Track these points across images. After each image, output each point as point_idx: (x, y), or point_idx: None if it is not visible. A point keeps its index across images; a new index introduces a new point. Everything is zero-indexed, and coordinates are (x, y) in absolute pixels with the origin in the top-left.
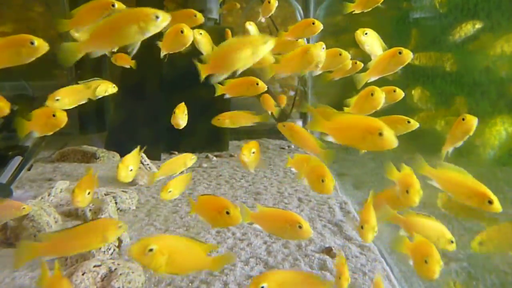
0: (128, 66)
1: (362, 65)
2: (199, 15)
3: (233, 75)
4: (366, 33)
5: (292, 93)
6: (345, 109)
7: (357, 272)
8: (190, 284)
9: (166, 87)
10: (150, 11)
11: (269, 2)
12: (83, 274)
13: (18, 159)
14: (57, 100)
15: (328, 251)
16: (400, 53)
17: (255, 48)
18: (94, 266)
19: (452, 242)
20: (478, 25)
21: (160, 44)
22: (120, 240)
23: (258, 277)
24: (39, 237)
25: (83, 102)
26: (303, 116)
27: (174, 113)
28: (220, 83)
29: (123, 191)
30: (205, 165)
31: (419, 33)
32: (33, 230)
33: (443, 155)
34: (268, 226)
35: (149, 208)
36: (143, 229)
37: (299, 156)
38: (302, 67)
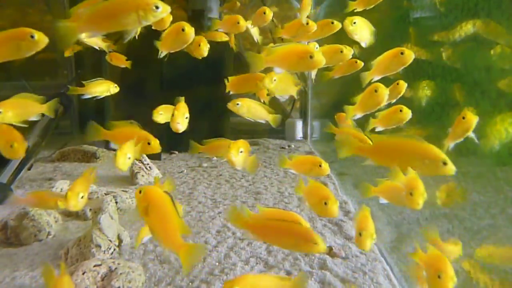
0: (123, 66)
1: (363, 64)
2: None
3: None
4: (354, 22)
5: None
6: (350, 107)
7: (357, 271)
8: (190, 283)
9: (166, 87)
10: (151, 0)
11: (264, 13)
12: (83, 274)
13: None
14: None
15: (328, 250)
16: (402, 53)
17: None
18: (94, 266)
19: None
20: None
21: (158, 44)
22: (120, 240)
23: (229, 281)
24: None
25: (35, 118)
26: (303, 116)
27: (173, 115)
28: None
29: (123, 190)
30: (205, 164)
31: (418, 32)
32: (34, 230)
33: (444, 149)
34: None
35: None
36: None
37: (297, 158)
38: (300, 68)
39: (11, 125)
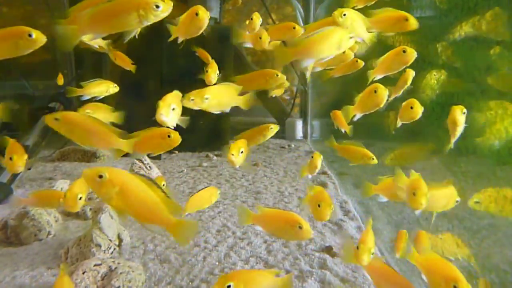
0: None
1: (363, 63)
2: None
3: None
4: (344, 14)
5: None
6: (349, 108)
7: (357, 271)
8: (190, 283)
9: (166, 86)
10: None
11: (251, 19)
12: (83, 273)
13: None
14: None
15: (328, 250)
16: (404, 51)
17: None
18: (95, 265)
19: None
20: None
21: (173, 29)
22: (120, 239)
23: (224, 276)
24: None
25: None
26: (303, 115)
27: (158, 106)
28: (231, 79)
29: None
30: (205, 164)
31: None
32: (34, 229)
33: (450, 145)
34: (269, 227)
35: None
36: (143, 228)
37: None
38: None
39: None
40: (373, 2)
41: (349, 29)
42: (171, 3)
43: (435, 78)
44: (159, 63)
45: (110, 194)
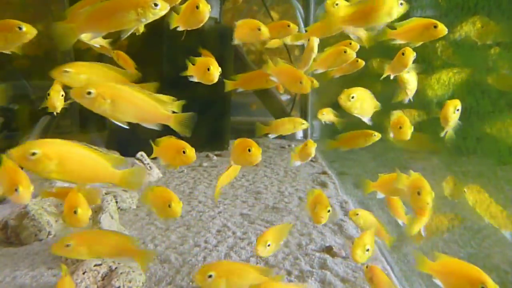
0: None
1: (364, 63)
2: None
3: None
4: (336, 4)
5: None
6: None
7: (358, 271)
8: (190, 283)
9: (166, 86)
10: None
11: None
12: (83, 273)
13: None
14: None
15: (329, 250)
16: (403, 54)
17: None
18: (95, 265)
19: None
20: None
21: (175, 17)
22: None
23: (206, 265)
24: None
25: None
26: (303, 115)
27: (49, 95)
28: (231, 78)
29: (123, 190)
30: (205, 164)
31: None
32: (34, 229)
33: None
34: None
35: (150, 207)
36: (143, 228)
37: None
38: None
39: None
40: None
41: None
42: (168, 4)
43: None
44: (159, 63)
45: (49, 168)
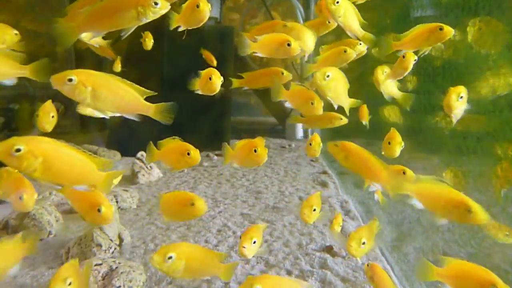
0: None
1: (353, 53)
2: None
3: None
4: (337, 2)
5: None
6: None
7: (358, 271)
8: (191, 283)
9: (166, 86)
10: None
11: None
12: None
13: None
14: None
15: (329, 249)
16: (403, 57)
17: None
18: (95, 265)
19: None
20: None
21: (175, 16)
22: (121, 239)
23: (164, 247)
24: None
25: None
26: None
27: (38, 116)
28: (239, 76)
29: (124, 190)
30: (206, 164)
31: None
32: (35, 229)
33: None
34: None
35: (150, 207)
36: (144, 228)
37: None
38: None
39: None
40: None
41: (341, 19)
42: (168, 3)
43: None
44: (160, 63)
45: (33, 167)
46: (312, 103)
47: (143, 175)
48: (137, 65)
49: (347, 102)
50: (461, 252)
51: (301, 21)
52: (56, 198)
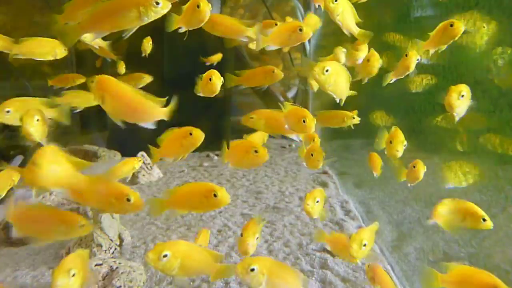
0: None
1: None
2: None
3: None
4: (335, 0)
5: (292, 93)
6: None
7: (358, 271)
8: (191, 283)
9: (167, 86)
10: None
11: None
12: None
13: (19, 159)
14: None
15: (329, 250)
16: (406, 55)
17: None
18: (96, 265)
19: None
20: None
21: (176, 18)
22: (121, 239)
23: (159, 245)
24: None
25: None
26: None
27: (21, 120)
28: (236, 74)
29: None
30: (206, 164)
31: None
32: None
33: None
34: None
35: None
36: (144, 228)
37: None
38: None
39: None
40: None
41: (339, 17)
42: (169, 3)
43: None
44: (160, 63)
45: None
46: (304, 121)
47: (144, 175)
48: (137, 65)
49: (356, 30)
50: (462, 252)
51: (301, 22)
52: (56, 198)
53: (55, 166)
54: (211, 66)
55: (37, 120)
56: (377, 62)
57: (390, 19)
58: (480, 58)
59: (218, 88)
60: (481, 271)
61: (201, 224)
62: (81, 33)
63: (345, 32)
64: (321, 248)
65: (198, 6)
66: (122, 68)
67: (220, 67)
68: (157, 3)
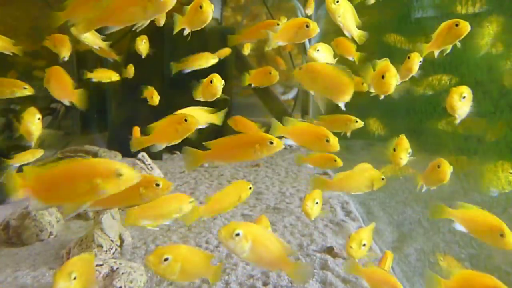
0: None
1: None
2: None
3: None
4: (337, 1)
5: (293, 93)
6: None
7: None
8: (191, 283)
9: (168, 87)
10: None
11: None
12: None
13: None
14: None
15: (330, 250)
16: (408, 57)
17: None
18: (96, 266)
19: None
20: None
21: (180, 19)
22: (122, 240)
23: (160, 248)
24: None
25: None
26: (304, 115)
27: (23, 118)
28: (248, 73)
29: None
30: (206, 164)
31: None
32: (35, 230)
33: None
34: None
35: None
36: (144, 228)
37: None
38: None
39: None
40: None
41: (340, 18)
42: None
43: None
44: (160, 64)
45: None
46: (327, 141)
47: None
48: (138, 65)
49: (356, 32)
50: (462, 253)
51: None
52: None
53: None
54: (212, 66)
55: (38, 119)
56: (394, 78)
57: (390, 19)
58: (483, 59)
59: (220, 91)
60: (484, 274)
61: (201, 224)
62: (93, 27)
63: (346, 33)
64: (322, 249)
65: (200, 7)
66: (131, 71)
67: (220, 67)
68: None
